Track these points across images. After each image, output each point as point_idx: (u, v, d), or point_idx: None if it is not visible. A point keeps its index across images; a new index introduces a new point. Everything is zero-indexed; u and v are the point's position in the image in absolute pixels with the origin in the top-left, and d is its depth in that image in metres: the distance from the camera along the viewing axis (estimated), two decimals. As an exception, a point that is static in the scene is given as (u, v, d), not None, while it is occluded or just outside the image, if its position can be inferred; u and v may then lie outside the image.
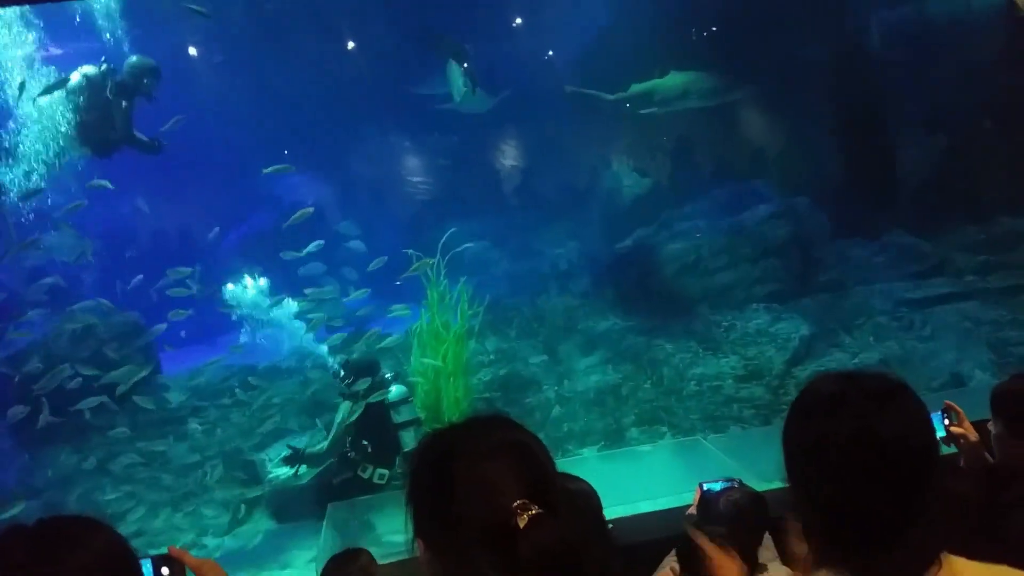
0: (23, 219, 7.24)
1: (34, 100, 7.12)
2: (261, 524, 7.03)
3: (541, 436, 1.41)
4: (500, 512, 1.23)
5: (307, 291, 7.53)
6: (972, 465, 2.98)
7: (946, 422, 2.99)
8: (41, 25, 7.52)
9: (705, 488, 3.10)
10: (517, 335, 9.07)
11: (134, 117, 7.36)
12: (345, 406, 6.52)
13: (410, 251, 7.72)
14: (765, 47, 10.48)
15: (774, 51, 10.56)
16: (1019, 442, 2.77)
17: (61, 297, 7.71)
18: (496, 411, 1.45)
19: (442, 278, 7.83)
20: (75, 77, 7.20)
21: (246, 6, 10.94)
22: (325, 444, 6.58)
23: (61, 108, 7.14)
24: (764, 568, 2.93)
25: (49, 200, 7.16)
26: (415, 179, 13.08)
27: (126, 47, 7.82)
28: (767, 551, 3.20)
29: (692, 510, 3.24)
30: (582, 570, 1.25)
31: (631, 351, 8.67)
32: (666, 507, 5.25)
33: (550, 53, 12.65)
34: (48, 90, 7.11)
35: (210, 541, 6.88)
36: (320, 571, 3.24)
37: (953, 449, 3.04)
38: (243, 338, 7.54)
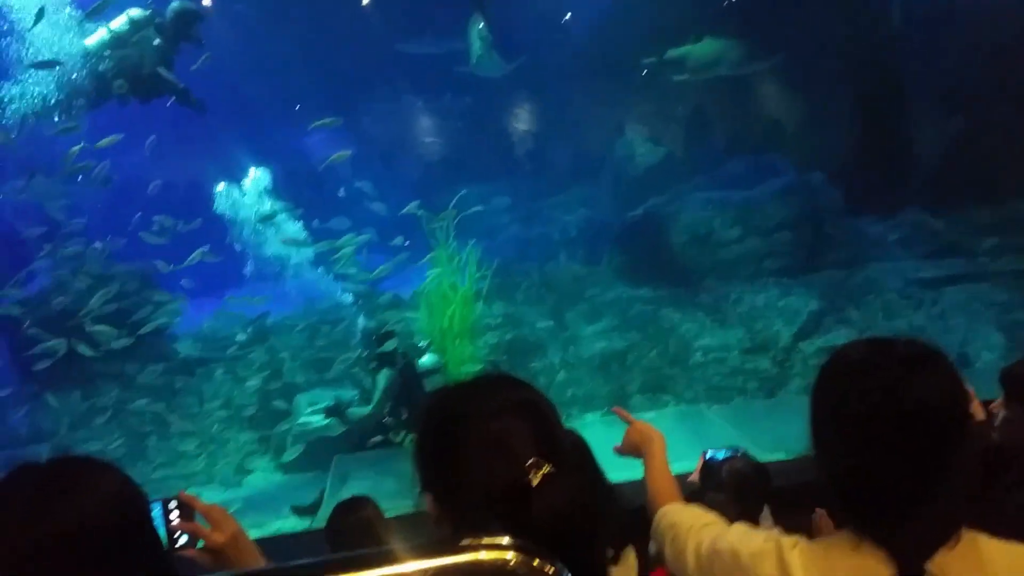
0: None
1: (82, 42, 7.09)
2: (268, 473, 7.13)
3: None
4: (512, 470, 1.23)
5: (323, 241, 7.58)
6: (977, 443, 2.98)
7: None
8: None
9: (709, 456, 3.10)
10: (524, 300, 9.09)
11: (174, 63, 7.33)
12: (386, 373, 6.62)
13: (419, 211, 7.70)
14: (790, 16, 10.29)
15: (798, 22, 10.37)
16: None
17: (75, 242, 7.69)
18: (504, 371, 1.45)
19: (451, 240, 7.82)
20: (121, 20, 7.16)
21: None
22: (369, 408, 6.69)
23: (106, 50, 7.12)
24: (763, 537, 2.95)
25: (82, 143, 7.13)
26: (428, 139, 12.98)
27: None
28: (765, 522, 3.22)
29: (694, 477, 3.26)
30: (593, 527, 1.25)
31: (638, 319, 8.67)
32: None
33: (568, 16, 12.44)
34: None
35: (217, 489, 6.99)
36: (327, 518, 3.27)
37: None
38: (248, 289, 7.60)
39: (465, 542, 1.03)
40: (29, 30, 6.83)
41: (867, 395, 1.43)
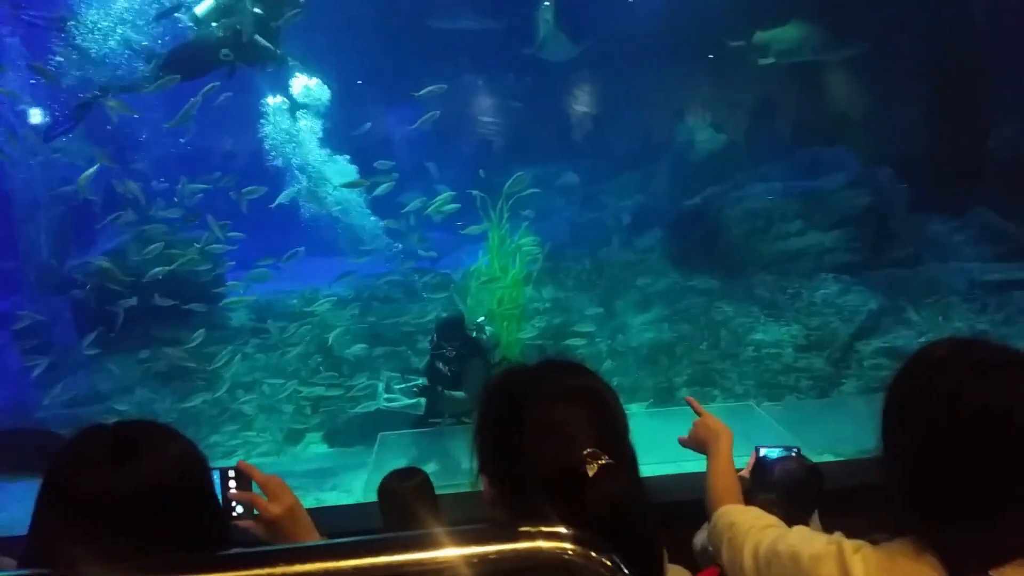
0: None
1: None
2: (315, 446, 7.26)
3: None
4: (569, 458, 1.22)
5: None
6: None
7: None
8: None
9: (762, 454, 3.04)
10: (574, 285, 9.03)
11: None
12: (478, 357, 6.57)
13: (476, 192, 7.71)
14: (872, 4, 9.96)
15: (880, 10, 10.03)
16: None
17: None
18: (570, 357, 1.43)
19: (505, 222, 7.82)
20: None
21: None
22: (462, 392, 6.55)
23: (214, 17, 7.30)
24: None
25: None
26: (486, 119, 12.95)
27: None
28: (813, 526, 3.15)
29: (744, 473, 3.20)
30: (644, 524, 1.24)
31: (690, 311, 8.54)
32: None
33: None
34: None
35: (264, 458, 7.13)
36: (378, 486, 3.32)
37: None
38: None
39: (524, 528, 1.02)
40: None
41: (944, 396, 1.38)
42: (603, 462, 1.21)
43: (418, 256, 8.38)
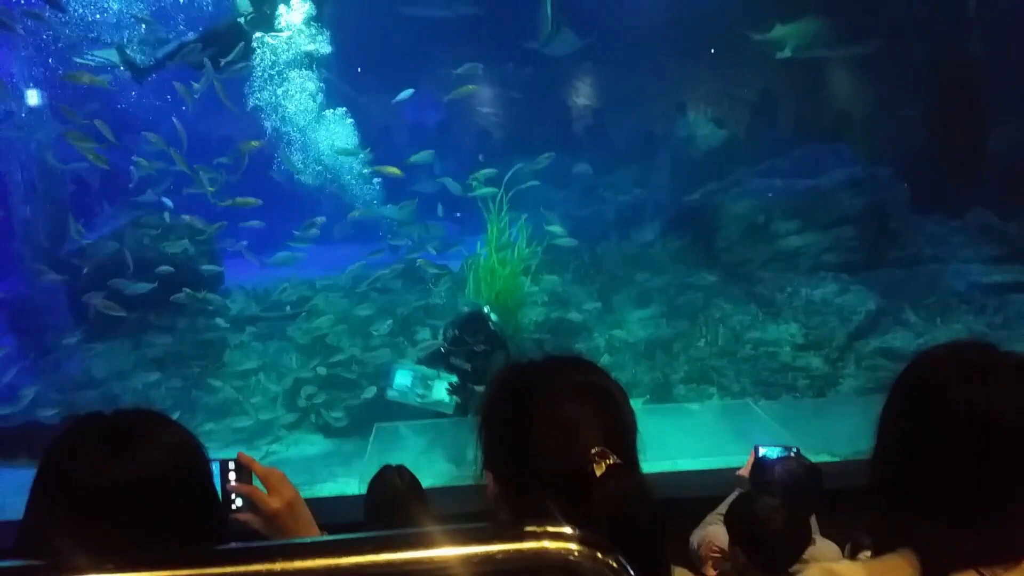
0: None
1: None
2: (311, 437, 7.23)
3: None
4: (577, 456, 1.20)
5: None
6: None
7: None
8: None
9: (761, 454, 3.03)
10: (572, 279, 9.01)
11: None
12: (499, 354, 6.45)
13: (473, 182, 7.70)
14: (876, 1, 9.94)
15: (883, 8, 10.00)
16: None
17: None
18: (578, 353, 1.40)
19: (504, 214, 7.79)
20: None
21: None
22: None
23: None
24: (812, 541, 2.88)
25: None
26: (485, 110, 12.90)
27: None
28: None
29: (744, 472, 3.19)
30: (652, 525, 1.22)
31: (688, 307, 8.52)
32: (708, 467, 5.22)
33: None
34: None
35: (259, 449, 7.09)
36: (370, 480, 3.31)
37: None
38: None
39: (529, 528, 1.01)
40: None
41: (931, 397, 1.38)
42: (611, 462, 1.19)
43: (424, 248, 8.37)
